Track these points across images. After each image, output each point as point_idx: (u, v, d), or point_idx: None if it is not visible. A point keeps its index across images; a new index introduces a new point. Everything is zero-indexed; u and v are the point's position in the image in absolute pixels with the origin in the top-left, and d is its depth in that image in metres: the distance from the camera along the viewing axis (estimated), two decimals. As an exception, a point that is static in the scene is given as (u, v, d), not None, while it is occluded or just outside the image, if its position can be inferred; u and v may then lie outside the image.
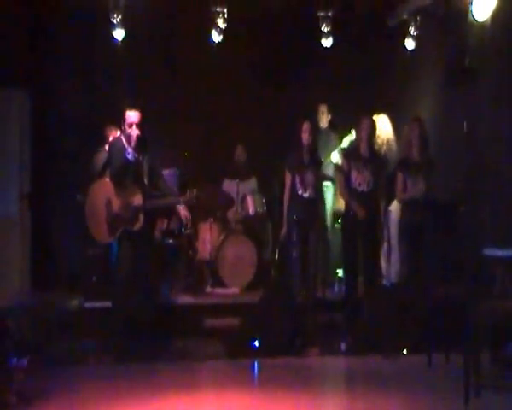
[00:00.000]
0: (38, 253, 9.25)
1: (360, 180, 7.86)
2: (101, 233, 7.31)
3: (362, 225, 7.79)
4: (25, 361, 6.41)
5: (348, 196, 7.94)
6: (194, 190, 7.44)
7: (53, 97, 9.71)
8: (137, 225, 7.23)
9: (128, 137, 7.29)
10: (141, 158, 7.31)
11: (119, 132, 7.69)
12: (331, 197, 9.56)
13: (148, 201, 7.28)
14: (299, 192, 8.17)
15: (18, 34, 9.02)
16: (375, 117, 8.92)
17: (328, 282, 9.26)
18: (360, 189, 7.87)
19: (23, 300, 8.29)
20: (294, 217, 8.18)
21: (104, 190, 7.31)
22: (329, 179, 9.50)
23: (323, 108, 9.86)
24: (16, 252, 9.11)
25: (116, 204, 7.24)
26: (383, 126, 9.08)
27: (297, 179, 8.17)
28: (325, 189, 9.23)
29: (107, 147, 8.20)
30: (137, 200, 7.23)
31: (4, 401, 5.66)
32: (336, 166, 9.35)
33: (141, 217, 7.22)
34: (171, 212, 9.04)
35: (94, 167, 8.69)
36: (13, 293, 8.68)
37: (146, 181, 7.35)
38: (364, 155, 7.93)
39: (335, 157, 9.48)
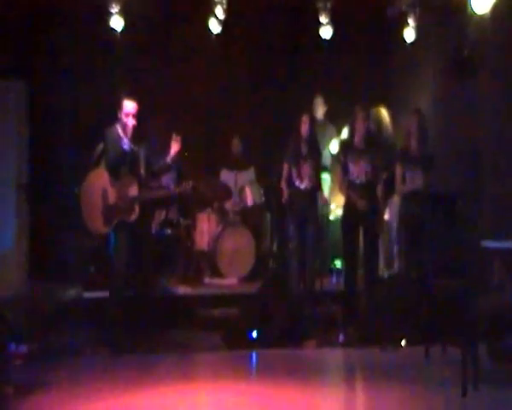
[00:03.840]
0: (36, 243, 9.23)
1: (357, 172, 7.82)
2: (97, 224, 7.29)
3: (361, 216, 7.77)
4: (22, 352, 6.43)
5: (346, 189, 7.90)
6: (190, 182, 7.44)
7: (51, 88, 9.66)
8: (133, 216, 7.21)
9: (124, 127, 7.28)
10: (137, 148, 7.30)
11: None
12: (328, 189, 9.56)
13: (143, 192, 7.27)
14: (297, 183, 8.16)
15: (16, 25, 8.98)
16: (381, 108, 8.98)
17: (326, 273, 9.26)
18: (358, 180, 7.83)
19: (21, 290, 8.29)
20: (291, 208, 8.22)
21: (100, 181, 7.29)
22: (326, 170, 9.51)
23: (319, 100, 9.84)
24: (14, 243, 9.10)
25: (112, 194, 7.22)
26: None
27: (294, 171, 8.17)
28: (323, 181, 9.23)
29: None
30: (133, 190, 7.22)
31: (1, 391, 5.66)
32: (334, 157, 9.35)
33: (136, 208, 7.21)
34: (168, 203, 9.05)
35: (93, 158, 8.66)
36: (10, 283, 8.67)
37: (142, 172, 7.33)
38: (360, 146, 7.88)
39: (334, 148, 9.48)
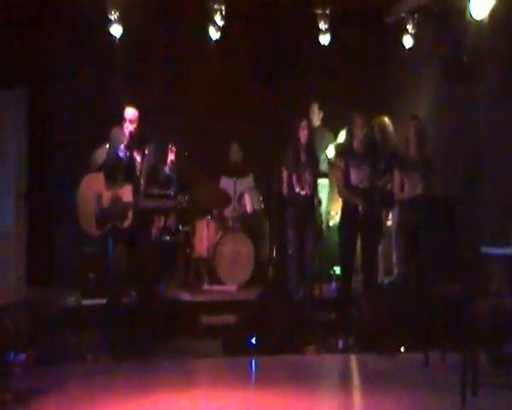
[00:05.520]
0: (35, 250, 9.22)
1: (361, 177, 7.82)
2: (91, 226, 7.29)
3: (361, 222, 7.74)
4: (21, 358, 6.42)
5: (349, 194, 7.86)
6: (186, 196, 7.44)
7: (50, 95, 9.68)
8: (126, 223, 7.20)
9: (123, 133, 7.29)
10: (135, 155, 7.29)
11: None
12: (326, 196, 9.57)
13: (138, 199, 7.23)
14: (296, 190, 8.16)
15: (15, 32, 8.98)
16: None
17: (326, 280, 9.24)
18: (361, 185, 7.82)
19: (20, 297, 8.29)
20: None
21: (96, 183, 7.29)
22: (325, 176, 9.53)
23: (315, 107, 9.88)
24: (13, 249, 9.09)
25: (106, 199, 7.22)
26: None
27: (294, 177, 8.16)
28: (320, 187, 9.23)
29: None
30: (127, 197, 7.20)
31: (0, 398, 5.65)
32: (332, 163, 9.36)
33: (129, 214, 7.19)
34: (165, 212, 9.03)
35: (93, 164, 8.65)
36: (10, 290, 8.66)
37: (143, 179, 7.31)
38: (360, 151, 7.89)
39: (331, 153, 9.50)
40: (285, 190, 8.27)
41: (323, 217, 9.44)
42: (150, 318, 7.35)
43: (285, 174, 8.26)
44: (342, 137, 9.32)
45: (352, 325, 7.69)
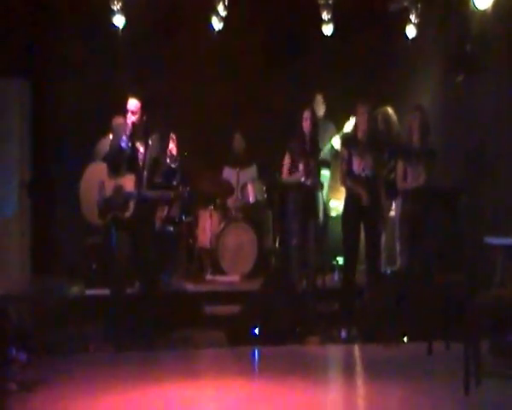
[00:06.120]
0: (38, 240, 9.24)
1: (364, 165, 7.81)
2: (94, 215, 7.29)
3: (365, 211, 7.75)
4: (25, 349, 6.42)
5: (352, 183, 7.86)
6: (187, 188, 7.44)
7: (54, 86, 9.68)
8: (127, 213, 7.19)
9: (125, 125, 7.29)
10: (138, 146, 7.29)
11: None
12: (326, 186, 9.57)
13: (140, 190, 7.22)
14: (302, 179, 8.14)
15: (18, 23, 8.98)
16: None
17: (328, 270, 9.24)
18: (364, 174, 7.81)
19: (23, 287, 8.29)
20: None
21: (99, 172, 7.29)
22: (327, 166, 9.53)
23: (319, 98, 9.85)
24: (16, 240, 9.11)
25: (108, 188, 7.22)
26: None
27: (300, 166, 8.14)
28: (323, 178, 9.23)
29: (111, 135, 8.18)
30: (129, 187, 7.19)
31: (4, 388, 5.67)
32: (335, 153, 9.36)
33: (131, 205, 7.19)
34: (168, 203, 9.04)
35: (96, 154, 8.65)
36: (13, 281, 8.67)
37: (146, 170, 7.30)
38: (363, 140, 7.88)
39: (337, 143, 9.48)
40: (288, 176, 8.25)
41: (326, 207, 9.44)
42: (153, 308, 7.35)
43: (288, 161, 8.24)
44: (347, 128, 9.33)
45: (355, 315, 7.70)
